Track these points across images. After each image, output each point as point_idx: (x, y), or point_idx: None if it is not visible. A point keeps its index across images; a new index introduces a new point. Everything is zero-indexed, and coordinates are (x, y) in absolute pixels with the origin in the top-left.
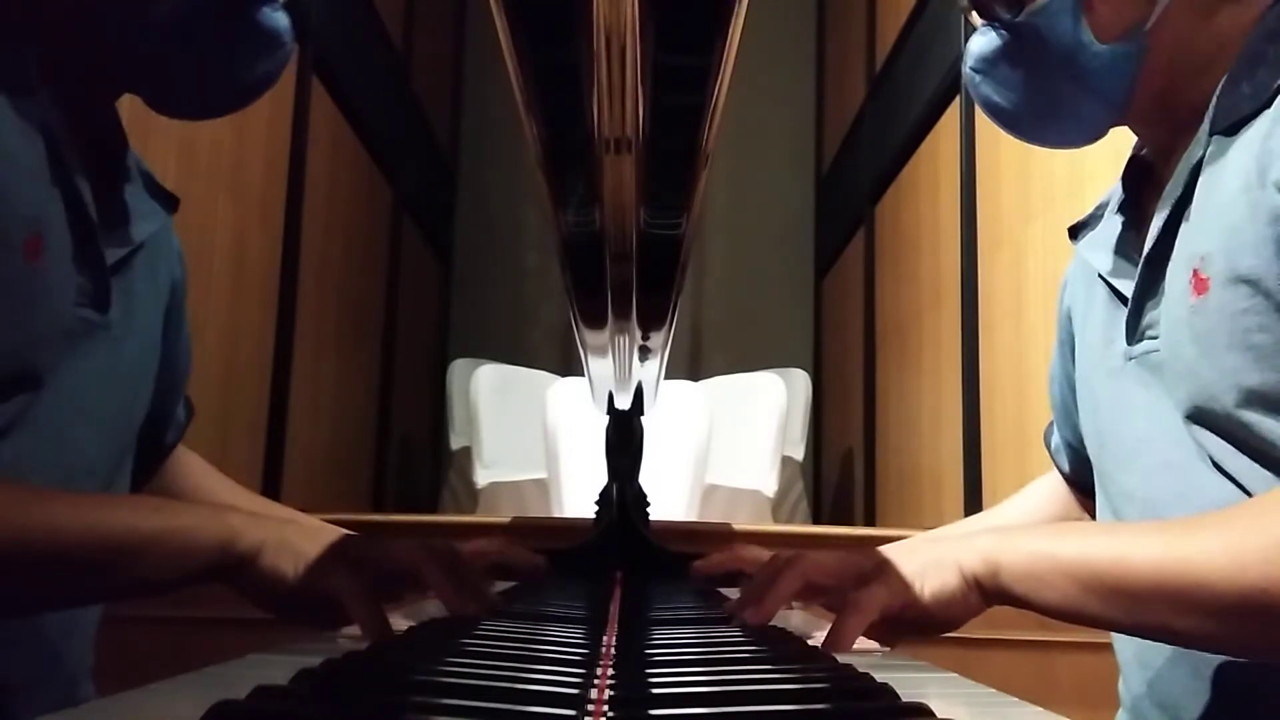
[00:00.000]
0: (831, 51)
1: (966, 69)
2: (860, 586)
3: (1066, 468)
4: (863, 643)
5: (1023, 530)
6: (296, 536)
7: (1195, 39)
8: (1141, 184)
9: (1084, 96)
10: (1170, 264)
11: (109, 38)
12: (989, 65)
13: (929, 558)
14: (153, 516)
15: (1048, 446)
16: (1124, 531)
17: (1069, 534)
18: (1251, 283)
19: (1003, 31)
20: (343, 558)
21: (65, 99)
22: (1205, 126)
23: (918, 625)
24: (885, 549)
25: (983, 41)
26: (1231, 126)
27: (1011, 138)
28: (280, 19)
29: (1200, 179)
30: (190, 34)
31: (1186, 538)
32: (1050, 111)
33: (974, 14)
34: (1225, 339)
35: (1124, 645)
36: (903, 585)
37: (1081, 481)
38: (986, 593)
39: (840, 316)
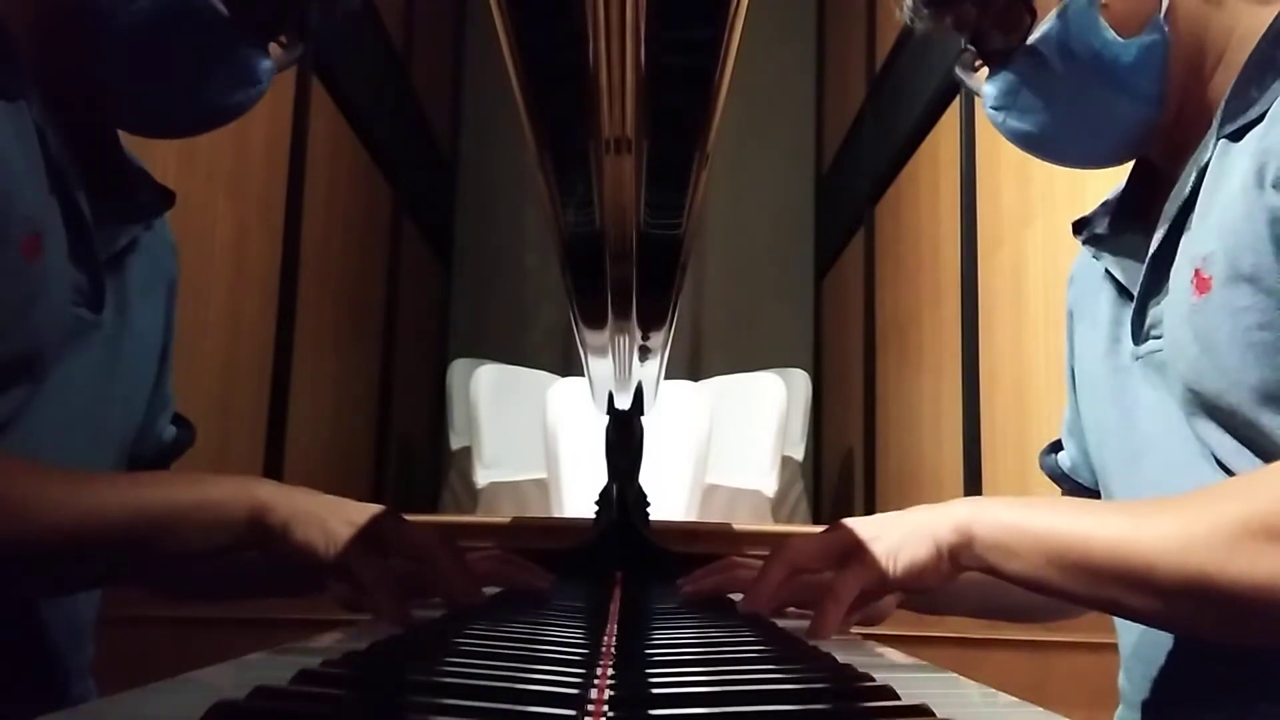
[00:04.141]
0: (831, 51)
1: (988, 110)
2: (841, 567)
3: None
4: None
5: (997, 501)
6: (324, 510)
7: (1210, 28)
8: (1148, 183)
9: (1119, 99)
10: (1174, 264)
11: (75, 42)
12: (1010, 99)
13: (905, 529)
14: (188, 490)
15: (1050, 471)
16: (1091, 509)
17: (1040, 508)
18: (1252, 281)
19: (1015, 64)
20: (365, 538)
21: (56, 100)
22: (1213, 130)
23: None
24: (867, 523)
25: (996, 80)
26: (1238, 131)
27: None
28: (264, 64)
29: (1205, 181)
30: (161, 51)
31: (1145, 520)
32: (1087, 124)
33: (970, 75)
34: (1226, 337)
35: (1125, 640)
36: (878, 563)
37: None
38: (959, 561)
39: (840, 316)
